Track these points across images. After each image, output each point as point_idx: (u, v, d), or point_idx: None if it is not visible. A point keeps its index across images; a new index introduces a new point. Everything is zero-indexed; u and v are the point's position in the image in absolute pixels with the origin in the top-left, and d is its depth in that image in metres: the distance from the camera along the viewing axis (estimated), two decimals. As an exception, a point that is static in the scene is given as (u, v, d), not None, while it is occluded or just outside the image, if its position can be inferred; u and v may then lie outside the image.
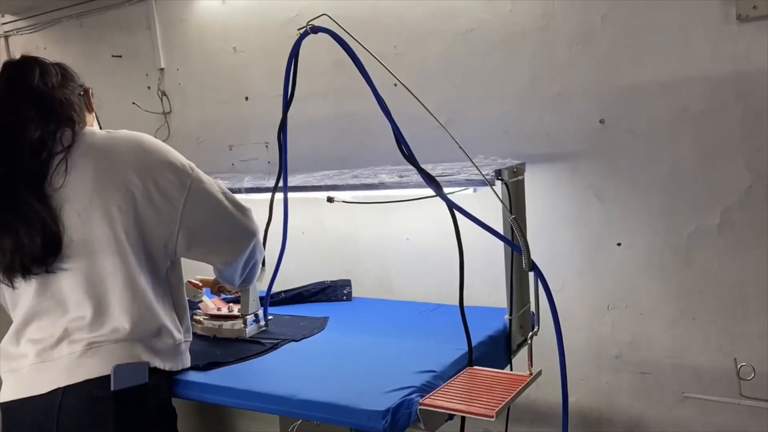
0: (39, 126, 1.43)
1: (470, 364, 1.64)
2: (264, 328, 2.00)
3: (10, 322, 1.54)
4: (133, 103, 2.95)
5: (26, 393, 1.44)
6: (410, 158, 1.52)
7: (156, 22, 2.85)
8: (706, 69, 1.85)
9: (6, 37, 3.39)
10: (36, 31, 3.26)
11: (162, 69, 2.89)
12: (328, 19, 1.48)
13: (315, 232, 2.65)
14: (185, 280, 1.78)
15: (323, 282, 2.40)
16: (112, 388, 1.41)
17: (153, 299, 1.51)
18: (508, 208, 1.84)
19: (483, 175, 1.52)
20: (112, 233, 1.43)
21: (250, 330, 1.96)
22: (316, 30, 1.52)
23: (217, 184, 1.61)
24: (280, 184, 1.95)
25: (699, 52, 1.85)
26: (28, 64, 1.50)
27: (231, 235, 1.63)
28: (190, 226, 1.52)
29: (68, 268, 1.44)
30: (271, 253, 2.06)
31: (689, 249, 1.95)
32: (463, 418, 1.55)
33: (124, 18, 2.95)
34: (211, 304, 2.08)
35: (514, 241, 1.68)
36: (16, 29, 3.34)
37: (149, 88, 2.94)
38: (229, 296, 2.16)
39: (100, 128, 1.64)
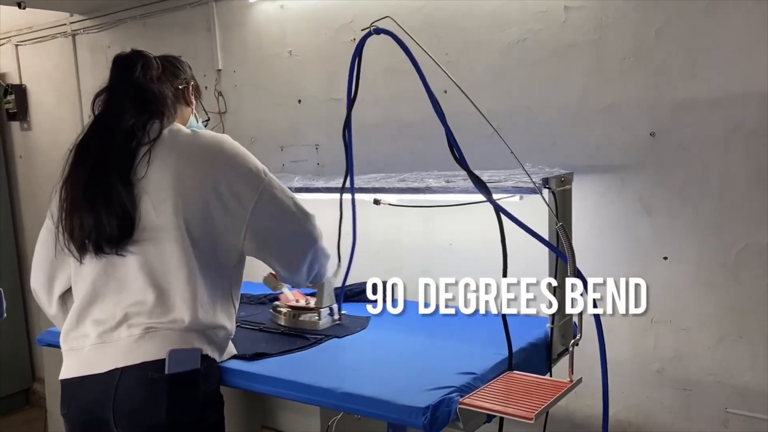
0: (132, 116, 1.55)
1: (510, 368, 1.66)
2: (338, 322, 2.07)
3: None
4: (191, 102, 3.05)
5: (86, 371, 1.53)
6: (461, 161, 1.55)
7: (216, 25, 2.95)
8: (763, 85, 1.83)
9: (74, 36, 3.55)
10: (102, 31, 3.40)
11: (219, 70, 2.98)
12: (391, 21, 1.52)
13: (360, 233, 2.69)
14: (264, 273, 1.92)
15: (365, 283, 2.43)
16: (166, 372, 1.49)
17: (213, 296, 1.59)
18: (555, 216, 1.86)
19: (533, 181, 1.53)
20: (181, 228, 1.52)
21: (324, 323, 2.04)
22: (379, 31, 1.58)
23: (287, 191, 1.70)
24: (348, 183, 2.03)
25: (756, 68, 1.84)
26: (133, 57, 1.62)
27: (293, 240, 1.72)
28: (257, 227, 1.61)
29: (137, 253, 1.53)
30: (343, 250, 2.14)
31: (738, 266, 1.92)
32: (501, 421, 1.56)
33: (186, 19, 3.05)
34: (290, 295, 2.16)
35: (559, 248, 1.69)
36: (83, 28, 3.49)
37: (206, 87, 3.03)
38: (308, 289, 2.22)
39: (197, 121, 1.77)
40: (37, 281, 1.71)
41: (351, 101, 1.75)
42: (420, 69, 1.54)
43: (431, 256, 2.51)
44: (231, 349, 1.72)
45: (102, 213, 1.49)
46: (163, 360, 1.49)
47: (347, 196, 2.07)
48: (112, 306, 1.54)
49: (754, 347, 1.92)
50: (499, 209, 1.51)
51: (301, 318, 2.04)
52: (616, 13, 2.02)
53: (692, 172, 1.96)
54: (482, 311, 2.18)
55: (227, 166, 1.58)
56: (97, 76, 3.49)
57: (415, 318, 2.17)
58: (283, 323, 2.07)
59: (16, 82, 3.90)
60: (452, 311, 2.23)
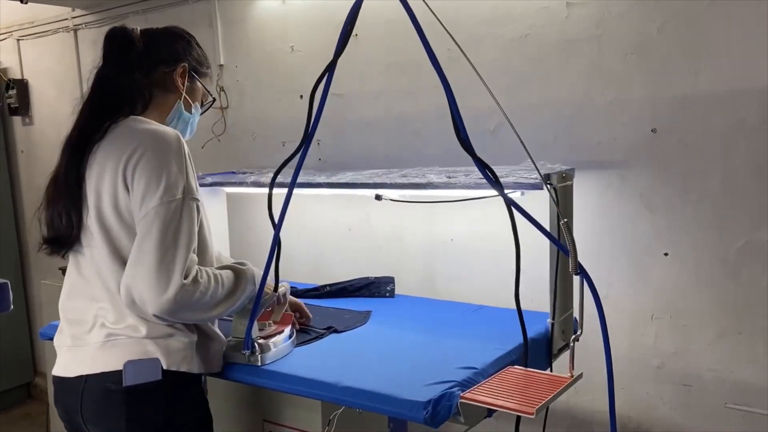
0: (94, 115, 1.53)
1: (525, 363, 1.65)
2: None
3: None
4: (193, 97, 3.06)
5: (63, 373, 1.54)
6: (466, 143, 1.50)
7: (218, 20, 2.95)
8: (764, 83, 1.83)
9: (75, 31, 3.55)
10: (104, 25, 3.40)
11: (221, 65, 2.98)
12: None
13: (361, 229, 2.70)
14: None
15: (367, 278, 2.45)
16: (123, 384, 1.45)
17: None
18: (557, 212, 1.86)
19: (540, 174, 1.53)
20: (109, 229, 1.47)
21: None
22: None
23: (183, 222, 1.42)
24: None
25: (757, 65, 1.84)
26: (112, 37, 1.55)
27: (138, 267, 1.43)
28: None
29: (93, 255, 1.50)
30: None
31: (738, 263, 1.93)
32: (518, 420, 1.56)
33: (187, 15, 3.05)
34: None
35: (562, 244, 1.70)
36: (85, 23, 3.49)
37: (208, 83, 3.04)
38: None
39: (189, 111, 1.65)
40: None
41: (337, 55, 1.53)
42: (423, 33, 1.47)
43: (432, 251, 2.52)
44: (212, 362, 1.59)
45: (61, 210, 1.50)
46: (121, 371, 1.45)
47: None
48: (84, 307, 1.53)
49: (753, 343, 1.93)
50: (509, 201, 1.49)
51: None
52: (618, 9, 2.02)
53: (693, 168, 1.96)
54: (483, 305, 2.21)
55: (139, 165, 1.42)
56: (98, 70, 3.50)
57: (415, 313, 2.19)
58: None
59: (18, 76, 3.91)
60: (453, 306, 2.25)
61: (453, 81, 2.39)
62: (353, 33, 2.55)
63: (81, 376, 1.49)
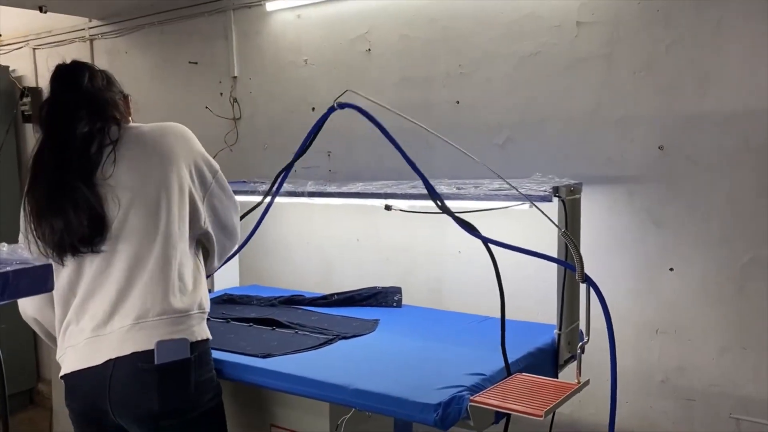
0: (88, 123, 1.59)
1: (508, 372, 1.68)
2: None
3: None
4: (206, 107, 3.11)
5: (83, 365, 1.57)
6: (443, 208, 1.63)
7: (233, 33, 3.01)
8: (770, 102, 1.87)
9: (91, 41, 3.61)
10: (120, 36, 3.47)
11: (235, 77, 3.04)
12: (352, 94, 1.67)
13: (370, 239, 2.73)
14: None
15: (375, 287, 2.48)
16: (155, 362, 1.53)
17: (192, 280, 1.64)
18: (564, 224, 1.89)
19: (523, 194, 1.57)
20: (154, 221, 1.58)
21: None
22: (343, 106, 1.66)
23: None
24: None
25: (763, 86, 1.88)
26: (79, 68, 1.66)
27: (232, 220, 1.81)
28: (210, 204, 1.72)
29: (117, 249, 1.57)
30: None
31: (743, 279, 1.96)
32: (507, 418, 1.58)
33: (203, 27, 3.12)
34: None
35: (567, 256, 1.73)
36: (101, 33, 3.56)
37: (222, 94, 3.09)
38: None
39: None
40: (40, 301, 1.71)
41: (299, 154, 1.93)
42: (390, 135, 1.72)
43: (440, 263, 2.55)
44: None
45: (70, 215, 1.53)
46: (153, 350, 1.53)
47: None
48: (103, 301, 1.58)
49: (757, 358, 1.95)
50: (487, 242, 1.58)
51: None
52: (628, 28, 2.07)
53: (700, 185, 2.00)
54: (489, 317, 2.23)
55: (193, 151, 1.69)
56: (113, 80, 3.56)
57: (422, 322, 2.21)
58: None
59: (33, 84, 3.97)
60: (459, 317, 2.27)
61: (463, 97, 2.46)
62: (366, 48, 2.62)
63: (108, 361, 1.53)
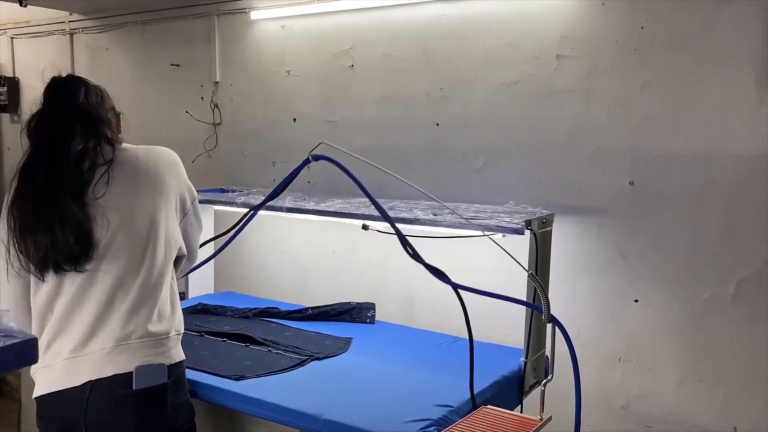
0: (82, 140, 1.58)
1: (474, 406, 1.74)
2: None
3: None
4: (186, 111, 3.10)
5: (60, 386, 1.57)
6: (416, 257, 1.69)
7: (216, 38, 3.00)
8: (738, 146, 1.94)
9: (72, 34, 3.57)
10: (101, 32, 3.43)
11: (217, 82, 3.03)
12: (326, 146, 1.75)
13: (346, 253, 2.77)
14: None
15: (349, 303, 2.52)
16: (134, 387, 1.54)
17: (172, 302, 1.67)
18: (535, 256, 1.95)
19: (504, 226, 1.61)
20: (143, 247, 1.60)
21: None
22: (318, 158, 1.70)
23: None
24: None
25: (732, 130, 1.95)
26: (74, 82, 1.65)
27: (195, 245, 1.85)
28: (183, 229, 1.75)
29: (100, 270, 1.57)
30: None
31: (703, 314, 2.03)
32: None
33: (186, 30, 3.10)
34: None
35: (536, 294, 1.79)
36: (82, 28, 3.51)
37: (202, 98, 3.09)
38: None
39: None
40: (16, 309, 1.70)
41: (273, 196, 1.94)
42: (364, 188, 1.77)
43: (415, 280, 2.59)
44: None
45: (57, 231, 1.53)
46: (131, 374, 1.54)
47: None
48: (82, 321, 1.58)
49: (713, 391, 2.04)
50: (455, 287, 1.64)
51: None
52: (606, 65, 2.12)
53: (666, 222, 2.07)
54: (460, 338, 2.29)
55: (181, 180, 1.73)
56: (93, 76, 3.49)
57: (394, 342, 2.26)
58: None
59: (10, 74, 3.91)
60: (431, 337, 2.33)
61: (443, 119, 2.49)
62: (350, 64, 2.63)
63: (87, 383, 1.54)
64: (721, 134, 1.97)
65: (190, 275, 2.51)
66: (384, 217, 1.67)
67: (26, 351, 0.76)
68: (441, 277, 1.64)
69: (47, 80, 1.66)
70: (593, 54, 2.14)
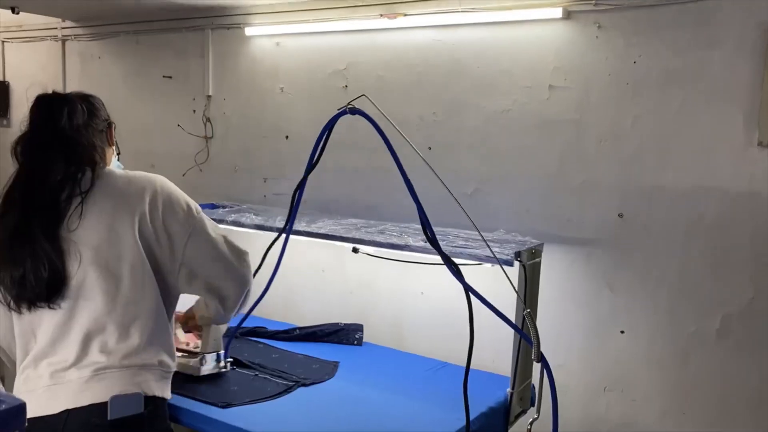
0: (62, 168, 1.55)
1: None
2: (223, 369, 2.04)
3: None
4: (178, 125, 3.09)
5: (39, 413, 1.55)
6: (433, 241, 1.63)
7: (210, 52, 2.99)
8: (725, 184, 1.97)
9: (64, 41, 3.55)
10: (94, 40, 3.42)
11: (209, 96, 3.03)
12: (366, 99, 1.65)
13: (335, 272, 2.77)
14: None
15: (337, 324, 2.52)
16: (108, 418, 1.52)
17: (155, 335, 1.61)
18: (524, 288, 1.96)
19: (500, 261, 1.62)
20: (119, 275, 1.55)
21: (206, 369, 2.00)
22: (354, 111, 1.66)
23: (218, 228, 1.73)
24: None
25: (720, 168, 1.97)
26: (57, 103, 1.61)
27: (226, 278, 1.72)
28: (189, 263, 1.64)
29: (77, 306, 1.55)
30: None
31: (687, 347, 2.06)
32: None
33: (180, 43, 3.09)
34: (182, 337, 2.12)
35: (523, 325, 1.80)
36: (74, 35, 3.49)
37: (194, 111, 3.08)
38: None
39: (119, 155, 1.80)
40: (8, 334, 1.68)
41: (311, 167, 1.81)
42: (393, 150, 1.65)
43: (403, 301, 2.60)
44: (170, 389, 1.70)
45: (28, 267, 1.51)
46: (107, 404, 1.51)
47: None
48: (63, 350, 1.57)
49: (695, 424, 2.06)
50: (468, 288, 1.60)
51: (185, 362, 1.99)
52: (597, 98, 2.14)
53: (654, 255, 2.09)
54: (447, 363, 2.30)
55: (162, 205, 1.60)
56: (84, 84, 3.50)
57: (381, 367, 2.26)
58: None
59: (0, 78, 3.88)
60: (418, 361, 2.33)
61: (435, 143, 2.50)
62: (344, 84, 2.63)
63: (63, 412, 1.52)
64: (708, 171, 1.99)
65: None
66: (412, 194, 1.67)
67: (12, 419, 0.75)
68: (457, 275, 1.62)
69: (31, 97, 1.64)
70: (585, 86, 2.16)
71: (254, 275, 1.97)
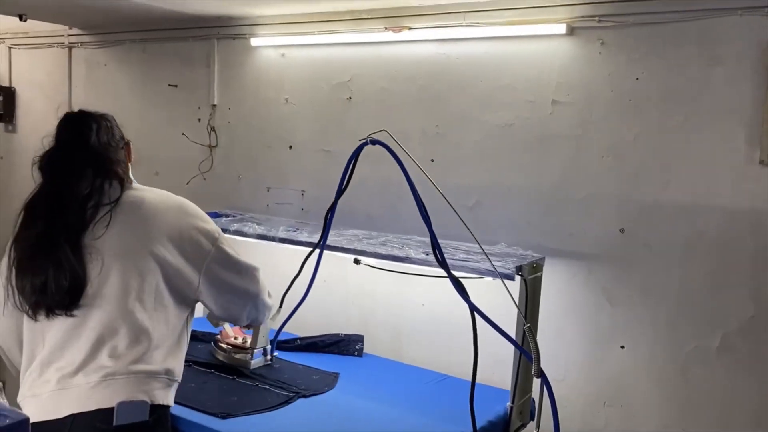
0: (90, 182, 1.61)
1: None
2: (269, 363, 2.30)
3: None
4: (183, 133, 3.11)
5: (45, 417, 1.57)
6: (443, 264, 1.65)
7: (215, 61, 3.01)
8: (726, 201, 1.97)
9: (70, 48, 3.57)
10: (100, 48, 3.44)
11: (214, 105, 3.04)
12: (386, 134, 1.74)
13: (336, 282, 2.78)
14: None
15: (338, 335, 2.53)
16: (114, 423, 1.54)
17: (165, 346, 1.66)
18: (525, 302, 1.97)
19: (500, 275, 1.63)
20: (136, 285, 1.60)
21: (256, 362, 2.26)
22: (375, 142, 1.70)
23: (235, 248, 1.81)
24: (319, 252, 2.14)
25: (721, 185, 1.98)
26: (86, 120, 1.69)
27: (236, 292, 1.81)
28: (210, 279, 1.71)
29: (92, 311, 1.59)
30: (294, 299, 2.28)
31: (687, 364, 2.06)
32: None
33: (186, 52, 3.11)
34: (231, 332, 2.34)
35: (524, 341, 1.81)
36: (81, 42, 3.52)
37: (199, 120, 3.10)
38: (248, 331, 2.32)
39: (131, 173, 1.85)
40: (9, 339, 1.74)
41: (341, 191, 1.94)
42: (412, 182, 1.77)
43: (403, 313, 2.60)
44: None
45: (51, 277, 1.55)
46: (113, 409, 1.54)
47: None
48: (72, 355, 1.59)
49: (695, 441, 2.06)
50: (474, 310, 1.61)
51: (236, 356, 2.26)
52: (600, 113, 2.15)
53: (654, 270, 2.09)
54: (447, 375, 2.30)
55: (190, 225, 1.69)
56: (90, 91, 3.53)
57: (381, 379, 2.27)
58: (221, 358, 2.29)
59: (6, 84, 3.91)
60: (418, 374, 2.34)
61: (437, 156, 2.51)
62: (348, 96, 2.66)
63: (68, 416, 1.54)
64: (709, 188, 2.00)
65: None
66: (423, 217, 1.80)
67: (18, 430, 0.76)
68: (463, 295, 1.64)
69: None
70: (588, 101, 2.17)
71: (287, 290, 2.33)
